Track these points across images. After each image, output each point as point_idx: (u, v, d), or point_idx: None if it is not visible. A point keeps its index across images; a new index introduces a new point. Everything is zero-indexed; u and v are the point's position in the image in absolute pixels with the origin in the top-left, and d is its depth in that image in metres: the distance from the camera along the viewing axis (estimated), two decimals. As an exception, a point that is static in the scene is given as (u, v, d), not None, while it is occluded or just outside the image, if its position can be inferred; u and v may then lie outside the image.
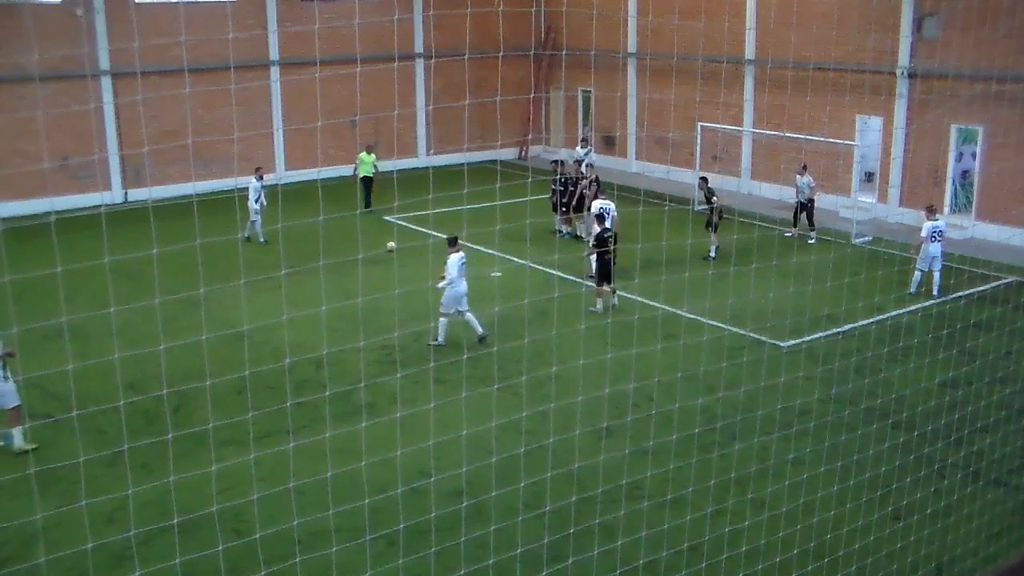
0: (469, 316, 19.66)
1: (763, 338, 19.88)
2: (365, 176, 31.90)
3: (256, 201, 27.63)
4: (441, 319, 19.47)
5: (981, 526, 13.08)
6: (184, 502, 12.86)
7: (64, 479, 13.94)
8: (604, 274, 21.72)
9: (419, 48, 39.68)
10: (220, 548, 11.40)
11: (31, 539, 12.90)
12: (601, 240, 21.68)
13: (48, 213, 27.65)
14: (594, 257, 22.69)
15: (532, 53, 40.03)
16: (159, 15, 33.53)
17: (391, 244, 25.44)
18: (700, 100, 33.49)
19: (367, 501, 12.21)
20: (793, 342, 19.72)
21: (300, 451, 14.03)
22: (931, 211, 23.48)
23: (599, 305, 21.73)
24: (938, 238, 22.89)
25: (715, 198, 25.99)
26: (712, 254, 25.89)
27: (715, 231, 25.89)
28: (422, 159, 38.94)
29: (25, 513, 12.72)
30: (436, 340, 19.45)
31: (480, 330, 19.62)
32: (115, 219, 30.61)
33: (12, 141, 31.54)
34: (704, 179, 27.43)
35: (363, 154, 32.25)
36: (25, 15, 31.13)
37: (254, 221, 27.89)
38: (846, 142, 30.19)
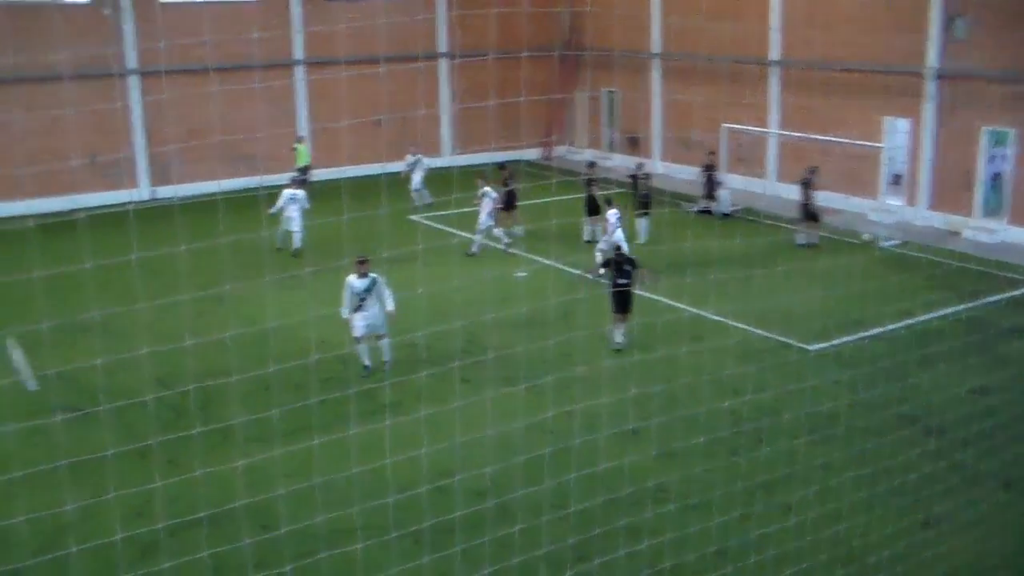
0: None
1: (790, 341, 19.78)
2: (303, 166, 33.38)
3: (490, 215, 26.54)
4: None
5: (1016, 537, 12.95)
6: (211, 497, 12.92)
7: (93, 472, 13.97)
8: (618, 302, 19.68)
9: (444, 48, 39.72)
10: (246, 542, 11.44)
11: (62, 530, 12.99)
12: (612, 264, 20.02)
13: (77, 210, 27.80)
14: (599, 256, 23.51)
15: (557, 53, 39.98)
16: (185, 15, 33.66)
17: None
18: (725, 101, 33.34)
19: (392, 499, 12.26)
20: (820, 345, 19.61)
21: (325, 448, 14.00)
22: (610, 202, 25.16)
23: (618, 337, 19.65)
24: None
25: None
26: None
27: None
28: (447, 159, 38.99)
29: (56, 505, 12.74)
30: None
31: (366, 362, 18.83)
32: (143, 216, 30.68)
33: (42, 139, 31.77)
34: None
35: (296, 144, 34.25)
36: (54, 15, 31.31)
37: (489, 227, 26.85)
38: (872, 144, 29.99)
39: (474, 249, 26.54)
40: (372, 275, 18.19)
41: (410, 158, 32.74)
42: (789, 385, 17.04)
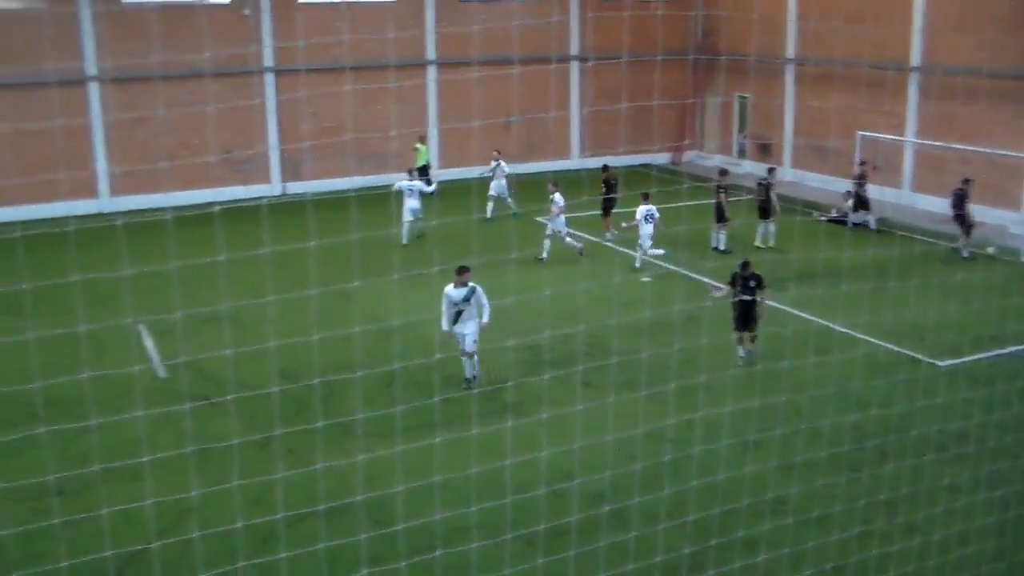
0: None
1: (920, 356, 19.19)
2: (423, 165, 33.00)
3: (560, 221, 26.32)
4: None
5: None
6: (329, 489, 13.14)
7: (217, 459, 14.34)
8: (739, 318, 18.98)
9: (575, 50, 39.71)
10: (363, 537, 11.60)
11: (185, 514, 13.36)
12: (737, 279, 18.94)
13: (212, 203, 28.63)
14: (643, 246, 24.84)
15: (690, 57, 39.58)
16: (322, 15, 34.39)
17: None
18: (861, 108, 32.53)
19: (509, 500, 12.29)
20: (952, 362, 18.95)
21: (445, 446, 14.09)
22: (645, 197, 25.16)
23: (741, 352, 19.05)
24: (650, 220, 24.80)
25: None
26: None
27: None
28: (576, 161, 38.98)
29: (181, 489, 13.14)
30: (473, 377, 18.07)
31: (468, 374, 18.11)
32: (274, 211, 31.45)
33: (181, 134, 32.85)
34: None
35: (417, 143, 33.80)
36: (197, 15, 32.31)
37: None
38: (1017, 154, 28.85)
39: (577, 247, 26.30)
40: (471, 284, 17.44)
41: (492, 163, 31.58)
42: (917, 401, 16.53)
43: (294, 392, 17.13)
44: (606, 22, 36.31)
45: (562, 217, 26.04)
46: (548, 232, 26.29)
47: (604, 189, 28.28)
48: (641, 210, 24.99)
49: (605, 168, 29.02)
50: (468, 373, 17.79)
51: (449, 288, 17.40)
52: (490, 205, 31.13)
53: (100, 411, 15.11)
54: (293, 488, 13.64)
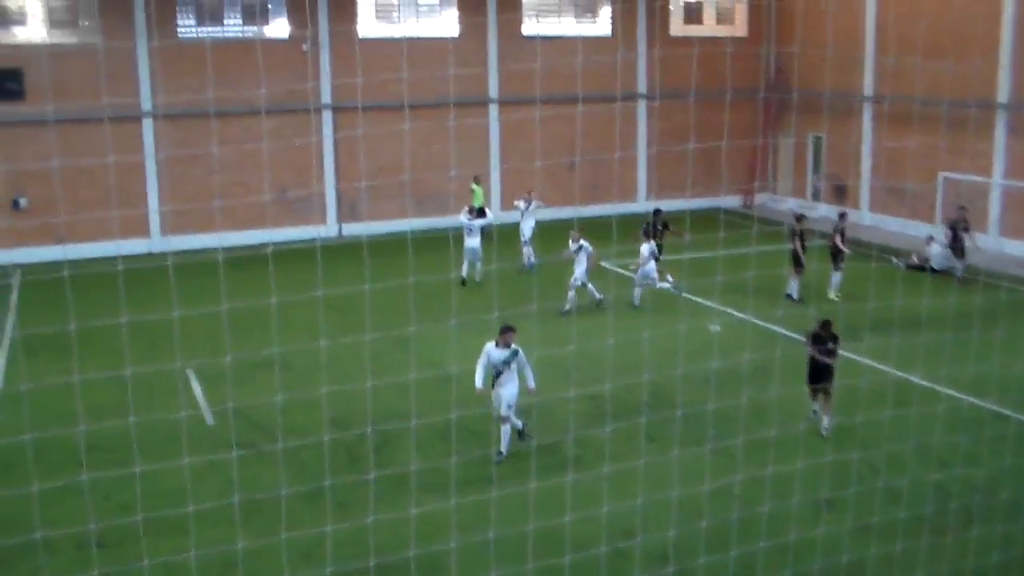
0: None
1: (1007, 412, 18.24)
2: (480, 207, 31.91)
3: (585, 271, 25.35)
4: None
5: None
6: (380, 544, 12.65)
7: (264, 510, 13.95)
8: (811, 374, 17.92)
9: (642, 89, 39.21)
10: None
11: (230, 567, 12.88)
12: (811, 335, 17.88)
13: (266, 244, 28.41)
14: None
15: (760, 96, 38.83)
16: (382, 51, 34.17)
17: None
18: (944, 148, 31.46)
19: (568, 558, 11.89)
20: (1042, 419, 18.00)
21: (501, 501, 13.69)
22: (646, 234, 26.16)
23: (814, 406, 18.07)
24: (652, 257, 25.62)
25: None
26: None
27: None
28: (642, 204, 38.33)
29: (226, 541, 12.77)
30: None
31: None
32: (328, 253, 31.18)
33: (236, 173, 32.80)
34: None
35: (473, 184, 33.20)
36: (255, 50, 32.31)
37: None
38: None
39: (567, 307, 25.10)
40: (514, 347, 16.23)
41: (522, 204, 30.54)
42: (1006, 460, 15.60)
43: (345, 441, 16.76)
44: (674, 59, 35.71)
45: (588, 264, 25.29)
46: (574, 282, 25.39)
47: (654, 236, 27.25)
48: (645, 247, 25.50)
49: (656, 212, 28.22)
50: (503, 443, 16.53)
51: (490, 346, 16.30)
52: (525, 251, 30.12)
53: (145, 458, 14.73)
54: (343, 542, 13.18)
